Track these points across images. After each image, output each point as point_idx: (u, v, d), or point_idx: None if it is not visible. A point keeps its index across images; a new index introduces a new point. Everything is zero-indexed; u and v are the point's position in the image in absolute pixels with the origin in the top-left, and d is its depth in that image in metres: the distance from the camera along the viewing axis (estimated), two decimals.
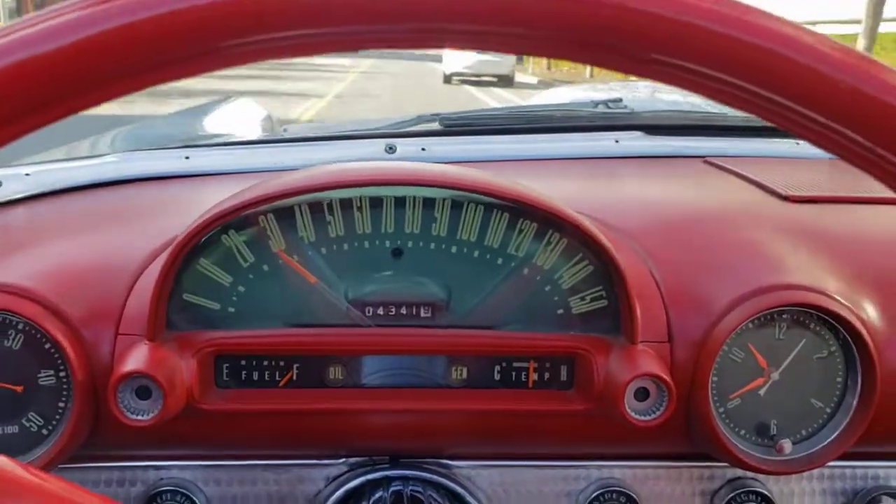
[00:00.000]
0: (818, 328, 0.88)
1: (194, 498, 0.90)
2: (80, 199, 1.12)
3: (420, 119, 1.45)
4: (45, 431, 0.82)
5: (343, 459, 0.92)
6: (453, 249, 0.86)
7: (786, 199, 1.09)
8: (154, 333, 0.80)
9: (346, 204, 0.84)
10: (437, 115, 1.44)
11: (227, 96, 2.08)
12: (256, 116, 1.96)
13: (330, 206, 0.84)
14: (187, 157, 1.25)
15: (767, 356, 0.87)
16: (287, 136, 1.39)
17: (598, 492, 0.93)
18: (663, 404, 0.80)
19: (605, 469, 0.95)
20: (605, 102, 1.49)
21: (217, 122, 1.87)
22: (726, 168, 1.26)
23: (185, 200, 1.09)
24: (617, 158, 1.34)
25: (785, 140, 1.42)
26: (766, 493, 0.94)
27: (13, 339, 0.81)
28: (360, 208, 0.84)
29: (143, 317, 0.80)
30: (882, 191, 1.15)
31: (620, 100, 1.50)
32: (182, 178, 1.21)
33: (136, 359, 0.77)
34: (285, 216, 0.83)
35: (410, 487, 0.88)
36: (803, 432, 0.89)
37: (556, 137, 1.38)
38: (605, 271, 0.85)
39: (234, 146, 1.31)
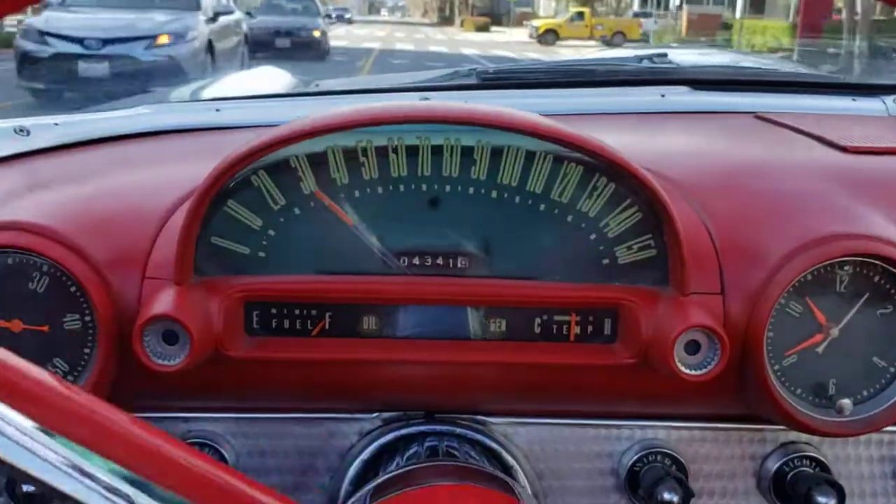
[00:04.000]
0: (882, 281, 0.82)
1: (222, 451, 0.88)
2: (109, 148, 1.10)
3: (457, 74, 1.40)
4: (70, 378, 0.80)
5: (376, 414, 0.89)
6: (493, 195, 0.81)
7: (844, 150, 1.03)
8: (181, 277, 0.77)
9: (381, 148, 0.80)
10: (473, 69, 1.39)
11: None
12: (284, 79, 1.94)
13: (364, 148, 0.80)
14: (218, 110, 1.22)
15: (827, 311, 0.82)
16: (319, 89, 1.35)
17: (641, 453, 0.89)
18: (715, 358, 0.75)
19: (649, 430, 0.90)
20: (650, 57, 1.42)
21: (247, 84, 1.84)
22: (779, 122, 1.20)
23: (215, 150, 1.06)
24: (663, 114, 1.28)
25: (839, 96, 1.35)
26: (820, 457, 0.89)
27: (38, 282, 0.79)
28: (395, 151, 0.80)
29: (171, 261, 0.77)
30: None
31: (665, 54, 1.43)
32: (213, 130, 1.18)
33: (162, 302, 0.74)
34: (317, 158, 0.80)
35: (446, 443, 0.85)
36: (864, 393, 0.83)
37: (599, 92, 1.32)
38: (655, 219, 0.80)
39: (265, 99, 1.28)
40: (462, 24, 45.96)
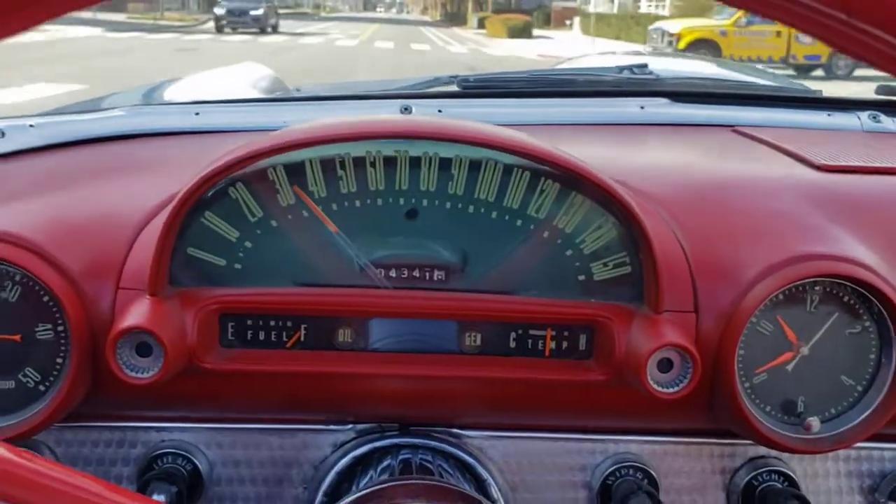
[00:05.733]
0: (852, 301, 0.83)
1: (196, 460, 0.87)
2: (85, 151, 1.09)
3: (437, 81, 1.40)
4: (42, 387, 0.79)
5: (351, 426, 0.89)
6: (470, 209, 0.82)
7: (818, 168, 1.04)
8: (156, 288, 0.77)
9: (358, 160, 0.80)
10: (455, 77, 1.39)
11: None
12: (265, 78, 1.92)
13: (342, 161, 0.80)
14: (197, 114, 1.21)
15: (797, 330, 0.83)
16: (300, 94, 1.34)
17: (613, 466, 0.90)
18: (687, 376, 0.76)
19: (622, 443, 0.91)
20: (630, 68, 1.43)
21: (227, 84, 1.82)
22: (756, 137, 1.21)
23: (193, 156, 1.05)
24: (642, 125, 1.29)
25: (816, 111, 1.37)
26: (788, 472, 0.91)
27: (10, 291, 0.78)
28: (373, 164, 0.80)
29: (146, 271, 0.77)
30: None
31: (646, 65, 1.44)
32: (191, 135, 1.17)
33: (136, 314, 0.74)
34: (295, 170, 0.80)
35: (420, 456, 0.85)
36: (832, 410, 0.85)
37: (579, 102, 1.33)
38: (630, 236, 0.81)
39: (245, 103, 1.27)
40: (485, 27, 31.81)
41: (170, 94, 1.63)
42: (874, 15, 0.26)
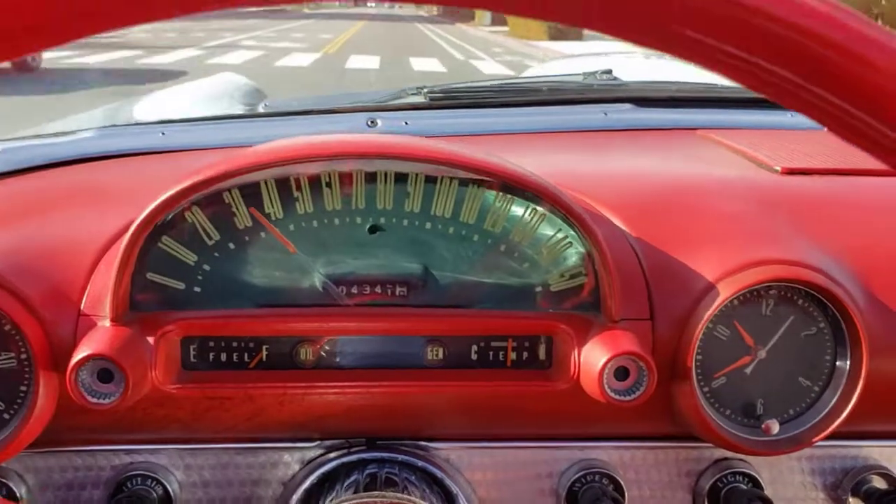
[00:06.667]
0: (806, 304, 0.85)
1: (165, 483, 0.88)
2: (48, 176, 1.09)
3: (404, 92, 1.41)
4: (6, 416, 0.80)
5: (318, 442, 0.90)
6: (428, 226, 0.83)
7: (777, 171, 1.06)
8: (117, 314, 0.77)
9: (314, 179, 0.81)
10: (421, 87, 1.40)
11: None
12: (243, 90, 1.92)
13: (297, 181, 0.80)
14: (163, 133, 1.22)
15: (754, 333, 0.85)
16: (266, 110, 1.35)
17: (580, 473, 0.91)
18: (643, 384, 0.77)
19: (588, 450, 0.92)
20: (595, 74, 1.45)
21: (201, 98, 1.83)
22: (718, 140, 1.22)
23: (157, 177, 1.06)
24: (606, 131, 1.30)
25: (780, 112, 1.39)
26: (753, 473, 0.92)
27: None
28: (328, 184, 0.81)
29: (106, 297, 0.78)
30: (876, 162, 1.12)
31: (610, 71, 1.46)
32: (157, 155, 1.17)
33: (96, 340, 0.74)
34: (251, 192, 0.80)
35: (386, 470, 0.86)
36: (791, 412, 0.86)
37: (544, 110, 1.34)
38: (585, 246, 0.82)
39: (211, 121, 1.28)
40: (507, 24, 26.04)
41: (142, 110, 1.64)
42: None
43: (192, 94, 1.90)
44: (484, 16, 30.88)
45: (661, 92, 1.44)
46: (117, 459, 0.89)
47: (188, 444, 0.89)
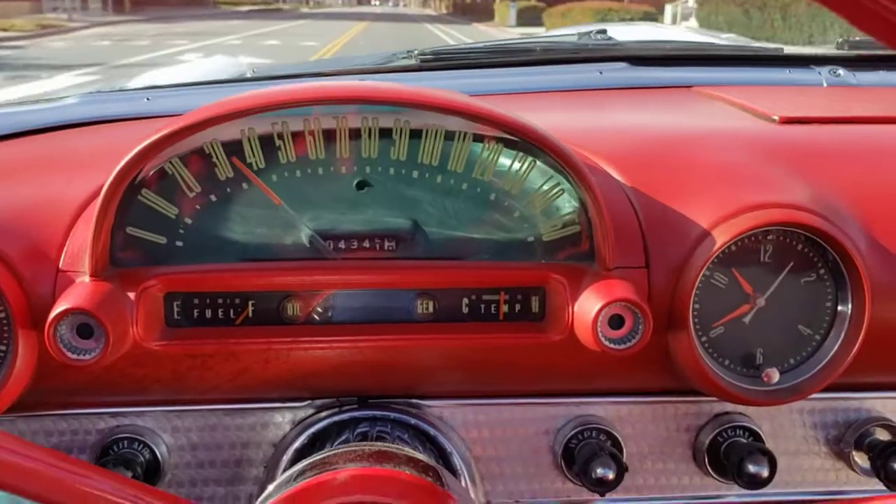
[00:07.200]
0: (806, 250, 0.82)
1: (152, 446, 0.86)
2: (32, 141, 1.07)
3: (396, 56, 1.38)
4: None
5: (308, 401, 0.88)
6: (414, 175, 0.80)
7: (774, 120, 1.03)
8: (96, 269, 0.75)
9: (297, 132, 0.78)
10: (412, 51, 1.37)
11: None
12: (235, 68, 1.90)
13: (280, 133, 0.78)
14: (148, 99, 1.19)
15: (753, 281, 0.82)
16: (253, 75, 1.33)
17: (576, 429, 0.89)
18: (639, 332, 0.75)
19: (585, 406, 0.90)
20: (589, 34, 1.42)
21: (196, 73, 1.80)
22: (715, 95, 1.20)
23: (139, 139, 1.04)
24: (602, 90, 1.28)
25: (777, 69, 1.36)
26: (753, 427, 0.90)
27: None
28: (311, 133, 0.78)
29: (86, 253, 0.75)
30: (874, 110, 1.09)
31: (605, 31, 1.43)
32: (141, 120, 1.15)
33: (75, 295, 0.72)
34: (232, 144, 0.78)
35: (378, 428, 0.84)
36: (791, 361, 0.84)
37: (538, 70, 1.31)
38: (578, 195, 0.80)
39: (197, 86, 1.25)
40: (543, 23, 20.69)
41: (132, 85, 1.61)
42: None
43: (185, 71, 1.87)
44: (506, 14, 25.48)
45: (657, 50, 1.41)
46: (102, 423, 0.87)
47: (173, 406, 0.87)
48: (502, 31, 23.22)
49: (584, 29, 1.44)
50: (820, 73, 1.31)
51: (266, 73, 1.32)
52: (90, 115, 1.14)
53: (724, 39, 1.57)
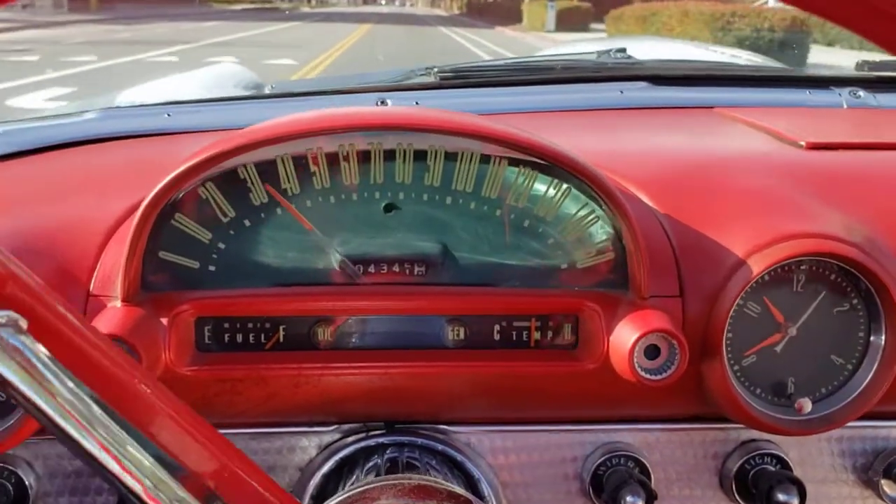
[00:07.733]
0: (839, 279, 0.82)
1: None
2: (55, 158, 1.06)
3: (414, 72, 1.38)
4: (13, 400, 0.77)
5: (335, 426, 0.87)
6: (448, 201, 0.80)
7: (801, 146, 1.03)
8: (128, 294, 0.74)
9: (332, 155, 0.78)
10: (431, 68, 1.37)
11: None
12: (244, 79, 1.89)
13: (315, 157, 0.78)
14: (168, 115, 1.19)
15: (785, 310, 0.82)
16: (273, 91, 1.32)
17: (605, 457, 0.88)
18: (675, 362, 0.75)
19: (613, 433, 0.89)
20: (609, 52, 1.42)
21: (203, 85, 1.80)
22: (737, 117, 1.20)
23: (164, 158, 1.03)
24: (622, 109, 1.28)
25: (798, 90, 1.36)
26: (781, 454, 0.89)
27: None
28: (346, 158, 0.78)
29: (117, 277, 0.75)
30: None
31: (625, 50, 1.43)
32: (163, 136, 1.14)
33: (106, 321, 0.72)
34: (267, 168, 0.78)
35: (406, 454, 0.83)
36: (822, 390, 0.84)
37: (558, 89, 1.31)
38: (613, 222, 0.79)
39: (217, 103, 1.25)
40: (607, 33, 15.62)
41: (142, 97, 1.61)
42: None
43: (193, 81, 1.86)
44: (540, 16, 20.44)
45: (677, 70, 1.41)
46: None
47: None
48: (541, 38, 18.33)
49: (602, 47, 1.43)
50: (840, 94, 1.31)
51: (285, 89, 1.32)
52: (111, 130, 1.14)
53: (744, 59, 1.57)
